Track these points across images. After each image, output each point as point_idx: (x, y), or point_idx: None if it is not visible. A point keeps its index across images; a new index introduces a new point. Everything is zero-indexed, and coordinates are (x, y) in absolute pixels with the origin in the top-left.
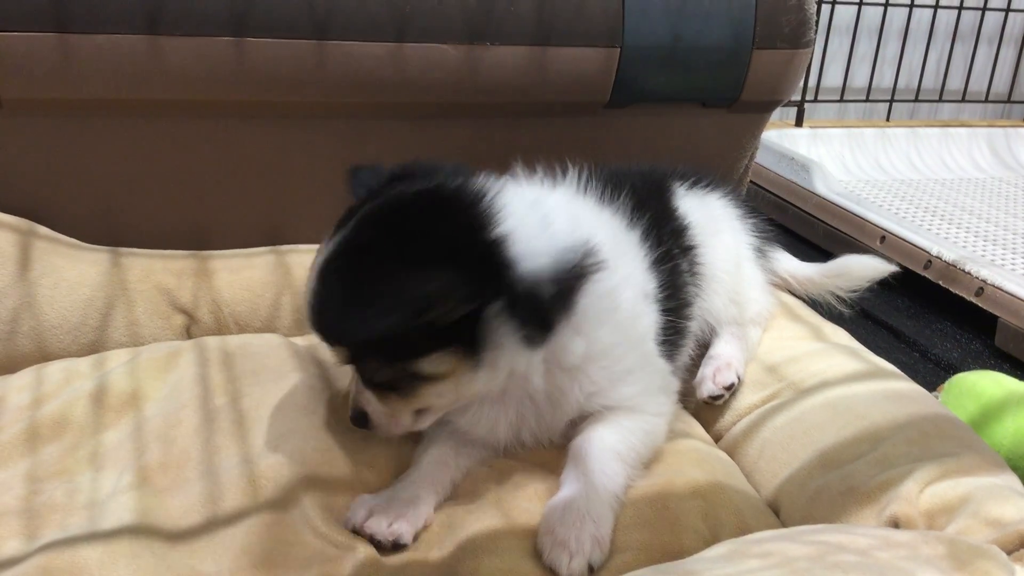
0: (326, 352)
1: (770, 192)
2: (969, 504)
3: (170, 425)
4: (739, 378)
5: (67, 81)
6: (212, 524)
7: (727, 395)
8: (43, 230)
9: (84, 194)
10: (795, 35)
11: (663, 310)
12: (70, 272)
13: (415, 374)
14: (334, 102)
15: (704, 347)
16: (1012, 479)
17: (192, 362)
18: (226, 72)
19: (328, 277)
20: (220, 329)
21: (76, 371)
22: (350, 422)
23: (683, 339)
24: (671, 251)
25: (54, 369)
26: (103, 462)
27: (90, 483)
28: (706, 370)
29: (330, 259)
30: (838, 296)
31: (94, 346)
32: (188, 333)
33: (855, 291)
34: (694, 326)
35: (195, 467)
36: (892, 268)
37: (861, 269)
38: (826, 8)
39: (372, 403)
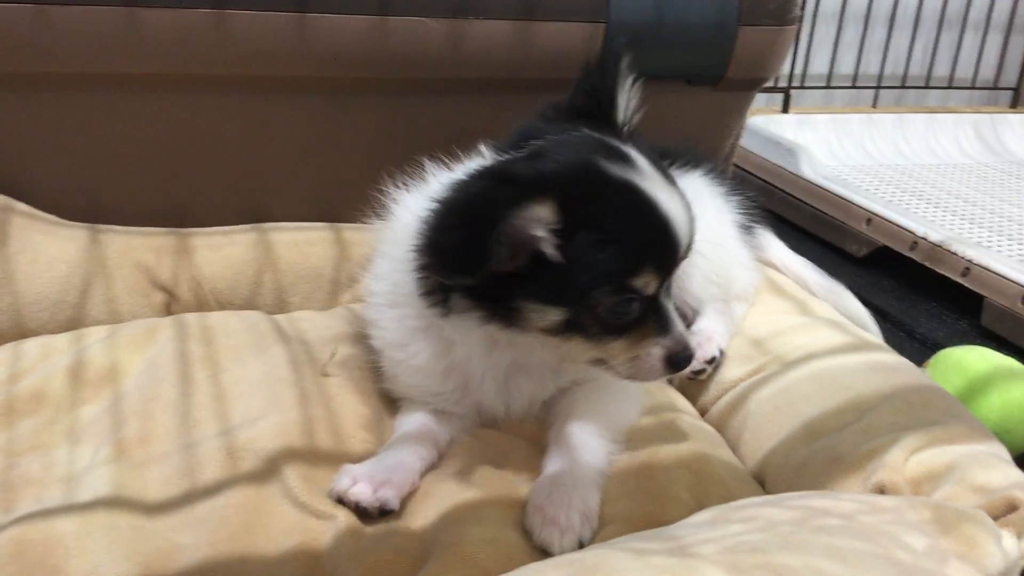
0: (309, 326)
1: (757, 176)
2: (955, 471)
3: (148, 399)
4: (721, 351)
5: (43, 54)
6: (190, 496)
7: (710, 369)
8: (21, 206)
9: (62, 170)
10: (780, 12)
11: None
12: (48, 248)
13: None
14: (316, 76)
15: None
16: (998, 447)
17: (171, 338)
18: (206, 45)
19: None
20: (200, 307)
21: (53, 347)
22: (681, 368)
23: None
24: None
25: (31, 345)
26: (80, 436)
27: (67, 457)
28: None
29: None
30: None
31: (72, 323)
32: (168, 310)
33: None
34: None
35: (173, 440)
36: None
37: (851, 313)
38: None
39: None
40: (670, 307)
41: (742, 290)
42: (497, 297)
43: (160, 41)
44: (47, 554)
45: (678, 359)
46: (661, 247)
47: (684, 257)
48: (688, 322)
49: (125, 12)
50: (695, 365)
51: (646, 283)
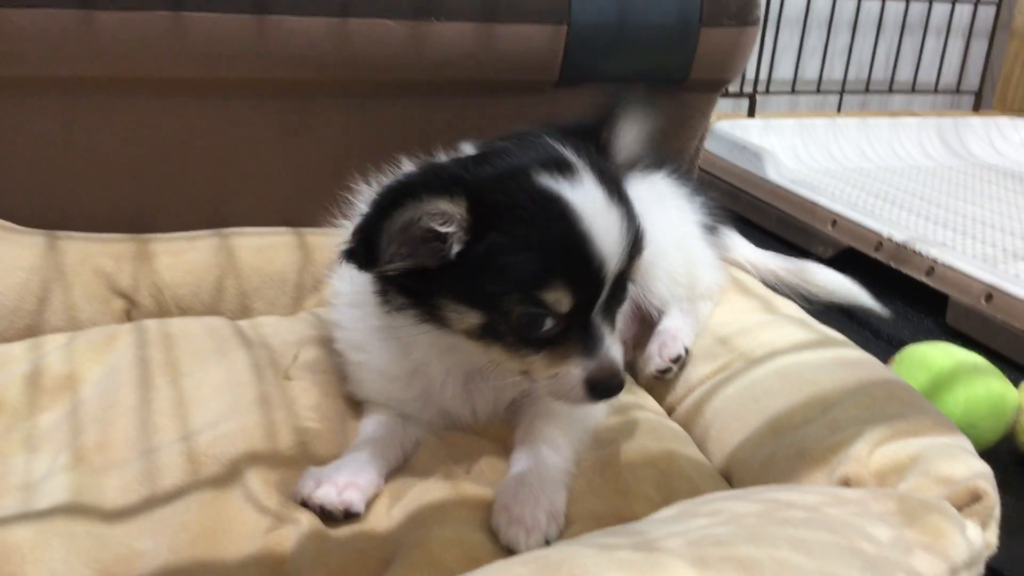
0: (272, 331)
1: (723, 180)
2: (919, 463)
3: (107, 406)
4: (686, 350)
5: None
6: (150, 502)
7: (675, 368)
8: None
9: (18, 175)
10: (742, 12)
11: None
12: (5, 255)
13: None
14: (276, 79)
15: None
16: (962, 439)
17: (131, 344)
18: (163, 48)
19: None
20: (161, 313)
21: (10, 355)
22: (605, 396)
23: None
24: None
25: None
26: (38, 444)
27: (24, 465)
28: (652, 347)
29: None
30: (799, 293)
31: (30, 330)
32: (128, 317)
33: (814, 297)
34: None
35: (133, 446)
36: (861, 296)
37: (826, 282)
38: (775, 0)
39: (618, 346)
40: (605, 329)
41: (707, 289)
42: (423, 293)
43: (116, 43)
44: (2, 562)
45: (602, 386)
46: (575, 264)
47: (616, 279)
48: (653, 322)
49: (80, 14)
50: (660, 364)
51: (557, 299)
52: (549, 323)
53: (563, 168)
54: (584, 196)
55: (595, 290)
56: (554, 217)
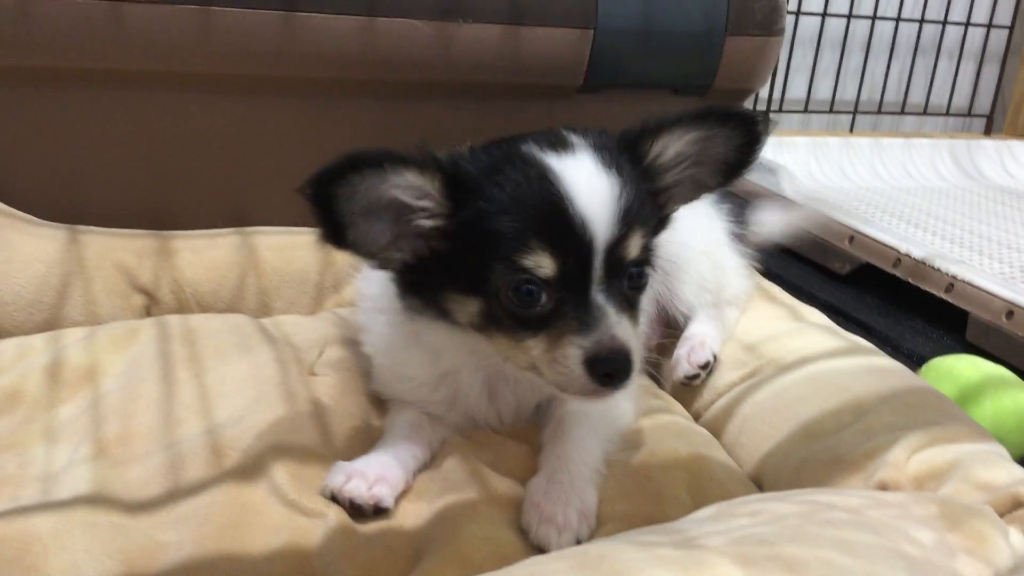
0: (295, 329)
1: (737, 196)
2: (958, 469)
3: (129, 399)
4: (715, 356)
5: (23, 48)
6: (174, 494)
7: (703, 375)
8: None
9: (42, 169)
10: (767, 22)
11: None
12: (25, 248)
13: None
14: (302, 77)
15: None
16: (998, 447)
17: (153, 338)
18: (191, 42)
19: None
20: (181, 310)
21: (30, 346)
22: (612, 379)
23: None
24: None
25: (7, 345)
26: (58, 435)
27: (44, 456)
28: (680, 351)
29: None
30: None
31: (49, 324)
32: (148, 313)
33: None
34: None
35: (156, 439)
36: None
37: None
38: (790, 19)
39: (627, 326)
40: (608, 308)
41: (734, 296)
42: (428, 288)
43: (144, 37)
44: (23, 551)
45: (604, 363)
46: (553, 224)
47: (614, 253)
48: (679, 328)
49: (109, 6)
50: (688, 370)
51: (537, 263)
52: (542, 298)
53: (556, 143)
54: (569, 162)
55: (582, 258)
56: (533, 179)
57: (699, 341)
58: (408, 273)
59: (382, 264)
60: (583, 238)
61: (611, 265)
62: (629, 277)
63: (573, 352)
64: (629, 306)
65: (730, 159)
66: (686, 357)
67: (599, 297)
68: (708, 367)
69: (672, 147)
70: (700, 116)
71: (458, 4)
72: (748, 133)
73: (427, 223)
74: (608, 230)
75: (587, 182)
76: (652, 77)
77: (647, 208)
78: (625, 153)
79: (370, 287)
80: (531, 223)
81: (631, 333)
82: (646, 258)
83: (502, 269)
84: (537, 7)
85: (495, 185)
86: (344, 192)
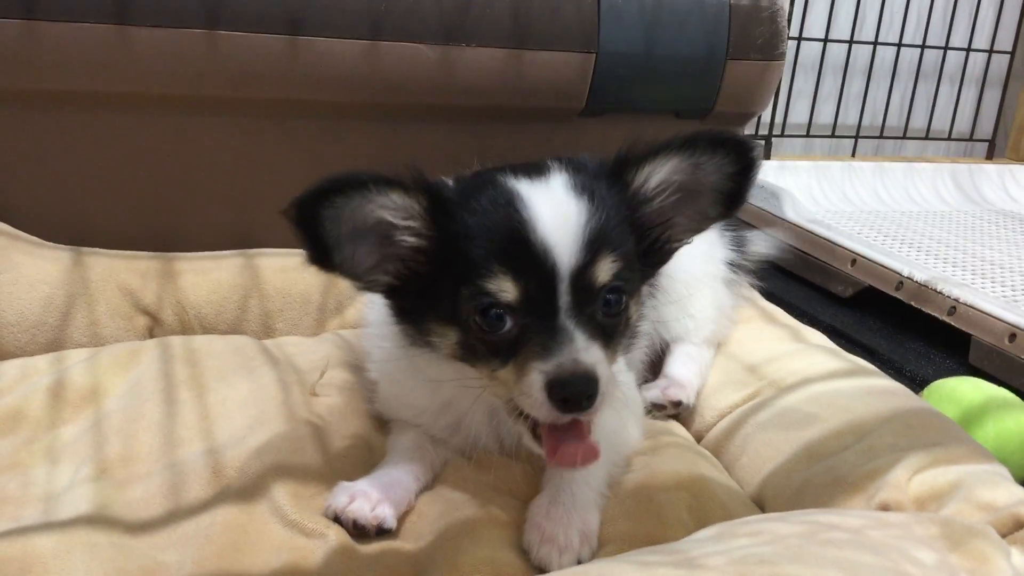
0: (297, 351)
1: (740, 220)
2: (960, 489)
3: (131, 419)
4: (688, 405)
5: (30, 71)
6: (175, 514)
7: (670, 410)
8: (2, 226)
9: (46, 190)
10: (768, 46)
11: None
12: (29, 269)
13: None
14: (307, 100)
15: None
16: (1000, 468)
17: (155, 359)
18: (197, 66)
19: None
20: (185, 331)
21: (33, 367)
22: (565, 410)
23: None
24: None
25: (10, 366)
26: (60, 455)
27: (45, 476)
28: (659, 382)
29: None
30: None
31: (53, 345)
32: (151, 334)
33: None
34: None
35: (157, 459)
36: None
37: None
38: (792, 44)
39: (595, 352)
40: (577, 334)
41: (712, 335)
42: (415, 316)
43: (151, 60)
44: (24, 571)
45: (562, 387)
46: (515, 248)
47: (583, 279)
48: (659, 353)
49: (116, 29)
50: (659, 398)
51: (500, 287)
52: (507, 323)
53: (532, 170)
54: (538, 189)
55: (546, 283)
56: (500, 204)
57: (679, 385)
58: (394, 297)
59: (368, 287)
60: (545, 263)
61: (580, 291)
62: (605, 303)
63: (536, 377)
64: (604, 333)
65: (724, 187)
66: (661, 390)
67: (568, 323)
68: (679, 407)
69: (657, 174)
70: (688, 142)
71: (461, 28)
72: (741, 160)
73: (411, 240)
74: (573, 256)
75: (553, 208)
76: (653, 101)
77: (622, 234)
78: (606, 180)
79: (374, 313)
80: (494, 248)
81: (600, 359)
82: (621, 285)
83: (468, 293)
84: (539, 31)
85: (468, 211)
86: (329, 214)
